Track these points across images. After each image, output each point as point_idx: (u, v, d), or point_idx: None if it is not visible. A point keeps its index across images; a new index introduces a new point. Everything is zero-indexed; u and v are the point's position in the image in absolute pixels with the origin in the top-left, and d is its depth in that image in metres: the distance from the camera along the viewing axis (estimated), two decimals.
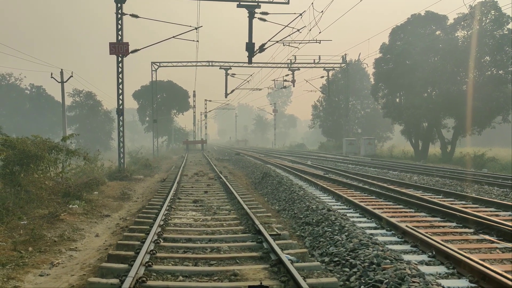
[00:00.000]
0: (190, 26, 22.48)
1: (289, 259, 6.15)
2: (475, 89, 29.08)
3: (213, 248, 7.29)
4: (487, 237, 7.55)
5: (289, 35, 21.42)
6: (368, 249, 6.44)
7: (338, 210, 10.00)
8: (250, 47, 19.99)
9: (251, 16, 19.99)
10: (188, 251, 7.12)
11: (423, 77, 31.96)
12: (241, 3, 20.26)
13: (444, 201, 11.33)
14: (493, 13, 29.49)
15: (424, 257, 6.45)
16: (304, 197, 11.80)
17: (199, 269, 6.18)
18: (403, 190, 13.17)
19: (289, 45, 25.97)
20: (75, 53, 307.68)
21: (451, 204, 10.63)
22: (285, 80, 41.20)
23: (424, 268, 5.88)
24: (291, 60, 39.28)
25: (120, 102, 21.13)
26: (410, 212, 10.07)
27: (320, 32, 21.24)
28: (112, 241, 8.43)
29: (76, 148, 16.47)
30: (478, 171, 21.65)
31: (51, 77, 31.32)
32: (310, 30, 19.94)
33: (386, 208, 10.59)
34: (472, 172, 20.63)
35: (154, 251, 6.82)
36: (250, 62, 21.19)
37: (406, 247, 7.04)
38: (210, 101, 70.04)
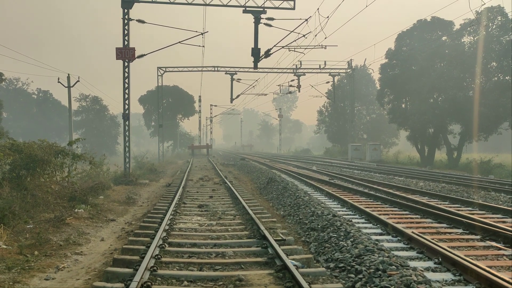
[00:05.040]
0: (196, 32, 22.60)
1: (294, 265, 6.13)
2: (482, 95, 28.96)
3: (218, 253, 7.28)
4: (494, 243, 7.48)
5: (295, 41, 21.46)
6: (373, 255, 6.41)
7: (344, 216, 9.95)
8: (255, 52, 20.06)
9: (257, 22, 20.08)
10: (193, 256, 7.12)
11: (429, 82, 31.88)
12: (247, 8, 20.38)
13: (451, 207, 11.25)
14: (499, 19, 29.42)
15: (430, 264, 6.40)
16: (309, 203, 11.78)
17: (204, 274, 6.18)
18: (409, 196, 13.09)
19: (294, 51, 26.00)
20: (82, 58, 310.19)
21: (458, 210, 10.56)
22: (291, 85, 41.21)
23: (430, 275, 5.84)
24: (296, 65, 39.34)
25: (126, 107, 21.23)
26: (416, 218, 10.01)
27: (325, 38, 21.26)
28: (118, 245, 8.44)
29: (82, 153, 16.51)
30: (484, 177, 21.50)
31: (58, 81, 31.45)
32: (315, 35, 19.97)
33: (392, 214, 10.53)
34: (479, 178, 20.50)
35: (159, 256, 6.82)
36: (255, 67, 21.25)
37: (412, 253, 7.00)
38: (215, 106, 70.25)
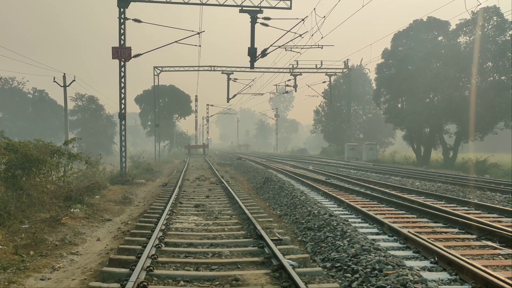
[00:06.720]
0: (193, 31, 22.52)
1: (290, 265, 6.13)
2: (477, 95, 29.07)
3: (214, 253, 7.27)
4: (489, 243, 7.52)
5: (291, 40, 21.47)
6: (370, 255, 6.42)
7: (340, 216, 9.97)
8: (252, 52, 20.07)
9: (253, 21, 20.09)
10: (190, 256, 7.11)
11: (425, 82, 31.97)
12: (243, 8, 20.37)
13: (447, 207, 11.30)
14: (495, 19, 29.53)
15: (426, 263, 6.42)
16: (305, 202, 11.78)
17: (201, 274, 6.17)
18: (405, 196, 13.14)
19: (291, 50, 26.01)
20: (78, 57, 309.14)
21: (454, 210, 10.60)
22: (287, 85, 41.28)
23: (426, 274, 5.86)
24: (293, 65, 39.36)
25: (122, 106, 21.15)
26: (412, 217, 10.03)
27: (322, 38, 21.33)
28: (114, 245, 8.42)
29: (78, 152, 16.46)
30: (480, 177, 21.58)
31: (54, 81, 31.38)
32: (312, 35, 20.05)
33: (388, 213, 10.56)
34: (475, 178, 20.57)
35: (156, 256, 6.81)
36: (252, 67, 21.26)
37: (408, 253, 7.02)
38: (212, 105, 70.08)
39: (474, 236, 8.03)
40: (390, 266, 5.87)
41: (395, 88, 34.96)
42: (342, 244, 7.34)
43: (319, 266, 6.70)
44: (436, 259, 6.41)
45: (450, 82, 31.02)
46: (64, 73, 31.67)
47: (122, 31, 20.60)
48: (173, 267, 6.50)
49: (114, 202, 14.30)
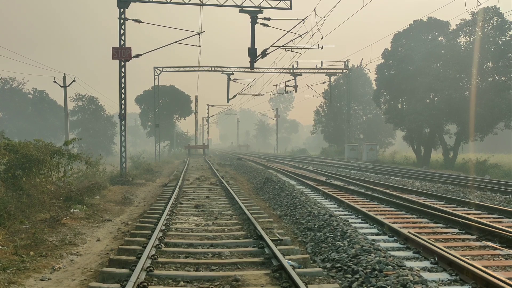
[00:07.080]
0: (193, 32, 22.53)
1: (290, 265, 6.13)
2: (478, 95, 29.08)
3: (214, 253, 7.27)
4: (489, 243, 7.51)
5: (291, 41, 21.46)
6: (370, 255, 6.41)
7: (340, 216, 9.97)
8: (252, 52, 20.06)
9: (254, 22, 20.08)
10: (190, 256, 7.11)
11: (425, 83, 31.97)
12: (243, 8, 20.37)
13: (447, 207, 11.29)
14: (495, 20, 29.54)
15: (426, 264, 6.41)
16: (306, 203, 11.77)
17: (201, 274, 6.17)
18: (405, 196, 13.13)
19: (291, 51, 26.00)
20: (78, 57, 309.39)
21: (454, 210, 10.59)
22: (287, 86, 41.27)
23: (426, 275, 5.85)
24: (293, 65, 39.33)
25: (122, 106, 21.14)
26: (412, 218, 10.03)
27: (322, 38, 21.31)
28: (114, 245, 8.41)
29: (78, 153, 16.46)
30: (480, 178, 21.58)
31: (54, 81, 31.39)
32: (312, 35, 20.02)
33: (388, 214, 10.55)
34: (475, 178, 20.57)
35: (156, 256, 6.81)
36: (252, 67, 21.25)
37: (409, 253, 7.01)
38: (212, 106, 70.12)
39: (474, 237, 8.02)
40: (390, 267, 5.86)
41: (395, 89, 34.97)
42: (342, 244, 7.34)
43: (319, 267, 6.70)
44: (436, 259, 6.41)
45: (450, 82, 31.02)
46: (64, 74, 31.68)
47: (122, 31, 20.60)
48: (173, 268, 6.50)
49: (114, 203, 14.30)
